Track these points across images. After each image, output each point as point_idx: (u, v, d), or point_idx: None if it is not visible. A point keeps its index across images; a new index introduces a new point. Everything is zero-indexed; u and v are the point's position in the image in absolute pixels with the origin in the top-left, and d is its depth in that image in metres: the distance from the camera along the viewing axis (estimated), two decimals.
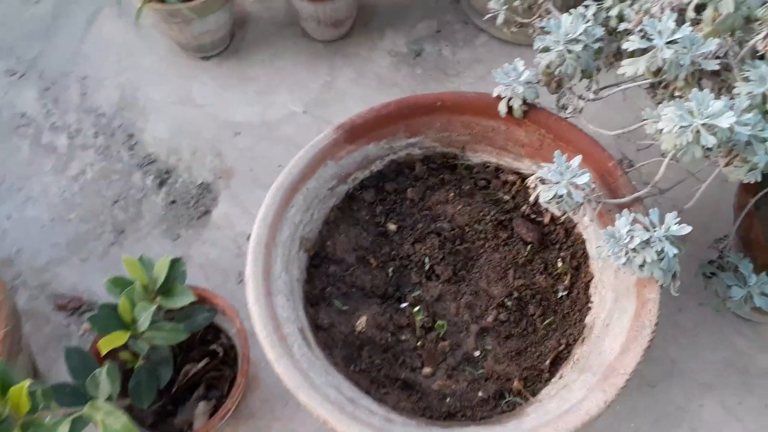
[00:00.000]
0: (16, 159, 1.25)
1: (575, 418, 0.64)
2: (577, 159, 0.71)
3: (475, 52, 1.35)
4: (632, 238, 0.68)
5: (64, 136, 1.26)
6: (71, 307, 1.10)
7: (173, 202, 1.20)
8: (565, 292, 0.83)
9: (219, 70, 1.35)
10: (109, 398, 0.80)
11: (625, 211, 0.72)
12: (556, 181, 0.71)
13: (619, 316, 0.74)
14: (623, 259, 0.69)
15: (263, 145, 1.24)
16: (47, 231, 1.15)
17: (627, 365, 0.67)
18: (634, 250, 0.69)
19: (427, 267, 0.86)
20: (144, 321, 0.80)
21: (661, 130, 0.69)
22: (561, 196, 0.71)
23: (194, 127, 1.26)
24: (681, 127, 0.65)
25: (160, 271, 0.84)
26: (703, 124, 0.64)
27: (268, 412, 0.95)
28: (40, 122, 1.30)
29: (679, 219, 0.69)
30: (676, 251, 0.68)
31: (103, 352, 0.76)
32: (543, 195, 0.72)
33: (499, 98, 0.84)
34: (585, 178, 0.70)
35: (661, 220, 0.70)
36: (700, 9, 0.75)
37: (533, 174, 0.75)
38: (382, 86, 1.30)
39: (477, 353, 0.80)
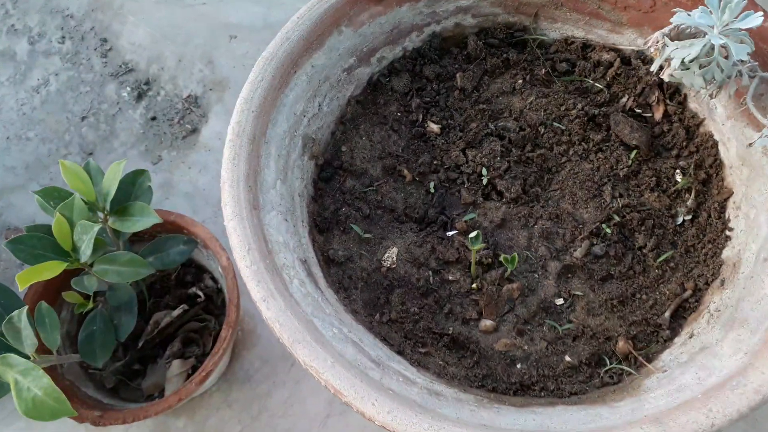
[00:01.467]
0: None
1: (738, 398, 0.39)
2: None
3: None
4: None
5: (24, 41, 1.07)
6: None
7: (154, 118, 0.99)
8: (689, 217, 0.57)
9: None
10: (47, 350, 0.59)
11: None
12: (705, 26, 0.44)
13: None
14: None
15: None
16: (1, 152, 0.97)
17: None
18: None
19: (485, 181, 0.60)
20: (86, 247, 0.57)
21: None
22: (711, 53, 0.44)
23: (181, 31, 1.06)
24: None
25: (111, 183, 0.61)
26: None
27: (269, 375, 0.76)
28: None
29: None
30: None
31: (22, 287, 0.53)
32: (679, 56, 0.46)
33: None
34: (756, 20, 0.43)
35: None
36: None
37: (638, 50, 0.48)
38: None
39: (560, 301, 0.54)
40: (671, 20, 0.46)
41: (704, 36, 0.45)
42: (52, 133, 0.97)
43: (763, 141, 0.46)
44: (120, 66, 1.03)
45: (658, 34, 0.49)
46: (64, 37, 1.06)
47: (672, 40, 0.48)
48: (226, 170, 0.51)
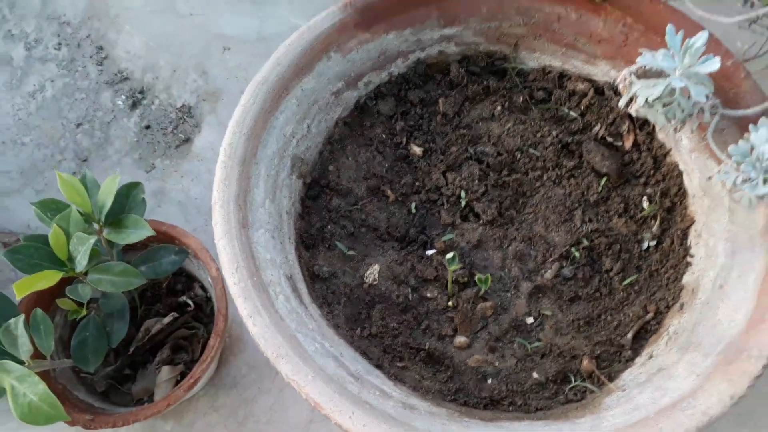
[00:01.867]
0: None
1: (687, 419, 0.43)
2: (703, 35, 0.47)
3: None
4: None
5: (20, 47, 1.08)
6: None
7: (148, 126, 1.01)
8: (653, 242, 0.61)
9: None
10: (41, 356, 0.61)
11: (764, 119, 0.48)
12: (667, 69, 0.47)
13: (740, 276, 0.51)
14: (763, 189, 0.47)
15: (258, 65, 1.02)
16: None
17: (763, 345, 0.45)
18: None
19: (463, 203, 0.63)
20: (81, 258, 0.60)
21: None
22: (673, 94, 0.48)
23: (176, 41, 1.08)
24: None
25: (107, 196, 0.63)
26: None
27: (255, 381, 0.79)
28: None
29: None
30: None
31: (19, 296, 0.56)
32: (643, 95, 0.49)
33: None
34: (713, 65, 0.47)
35: None
36: None
37: (611, 82, 0.52)
38: None
39: (530, 320, 0.58)
40: (637, 60, 0.50)
41: (668, 76, 0.48)
42: (48, 139, 0.99)
43: (721, 176, 0.50)
44: (115, 74, 1.05)
45: (626, 71, 0.52)
46: (60, 44, 1.08)
47: (639, 77, 0.51)
48: (218, 190, 0.54)
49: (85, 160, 0.97)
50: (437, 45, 0.67)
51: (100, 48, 1.07)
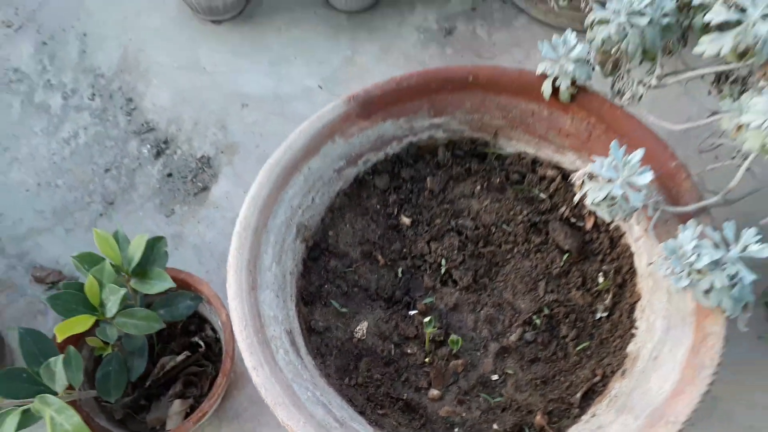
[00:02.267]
0: (5, 117, 1.16)
1: None
2: (639, 152, 0.57)
3: (514, 35, 1.21)
4: (699, 256, 0.55)
5: (58, 96, 1.17)
6: (50, 280, 1.02)
7: (170, 174, 1.11)
8: (605, 314, 0.70)
9: (231, 36, 1.23)
10: (71, 387, 0.71)
11: (692, 221, 0.58)
12: (609, 179, 0.58)
13: (671, 349, 0.60)
14: (685, 282, 0.56)
15: (273, 121, 1.13)
16: (32, 196, 1.07)
17: (679, 412, 0.54)
18: (699, 271, 0.56)
19: (443, 270, 0.73)
20: (112, 306, 0.70)
21: (745, 125, 0.55)
22: (614, 198, 0.58)
23: (199, 96, 1.17)
24: None
25: (136, 250, 0.73)
26: None
27: (255, 415, 0.86)
28: (34, 79, 1.21)
29: (760, 237, 0.55)
30: (753, 277, 0.55)
31: (60, 338, 0.65)
32: (591, 195, 0.59)
33: (543, 77, 0.71)
34: (646, 178, 0.57)
35: (736, 237, 0.57)
36: None
37: (576, 170, 0.62)
38: (408, 65, 1.18)
39: (495, 377, 0.67)
40: (588, 167, 0.60)
41: (609, 183, 0.58)
42: (78, 183, 1.09)
43: (654, 266, 0.59)
44: (142, 124, 1.15)
45: (580, 172, 0.62)
46: (94, 95, 1.19)
47: (590, 179, 0.61)
48: (233, 257, 0.64)
49: (111, 203, 1.07)
50: (427, 131, 0.77)
51: (130, 100, 1.18)
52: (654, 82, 0.69)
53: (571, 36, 0.69)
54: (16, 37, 1.25)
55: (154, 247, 0.78)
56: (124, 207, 1.06)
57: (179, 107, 1.15)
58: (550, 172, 0.77)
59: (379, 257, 0.74)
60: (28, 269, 1.02)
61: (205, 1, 1.19)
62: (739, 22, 0.57)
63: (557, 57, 0.69)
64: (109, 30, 1.24)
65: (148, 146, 1.12)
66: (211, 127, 1.13)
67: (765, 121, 0.52)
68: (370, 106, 0.72)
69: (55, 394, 0.68)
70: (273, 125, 1.12)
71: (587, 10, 0.71)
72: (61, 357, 0.66)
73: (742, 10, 0.56)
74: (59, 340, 0.66)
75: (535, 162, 0.78)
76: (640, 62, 0.69)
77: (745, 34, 0.56)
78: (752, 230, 0.56)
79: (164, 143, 1.13)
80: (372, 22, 1.24)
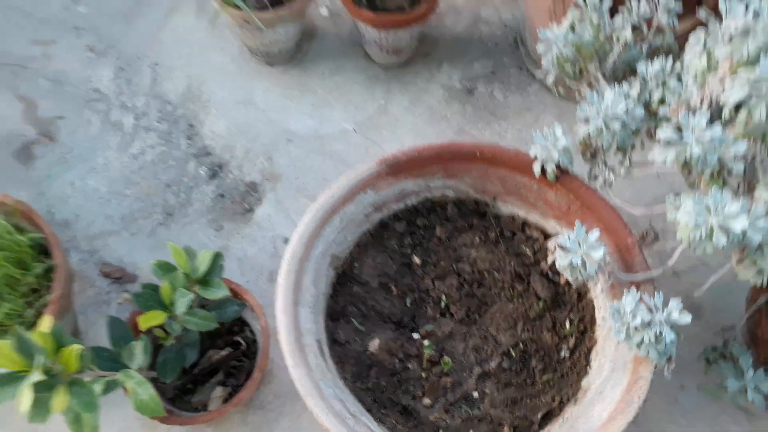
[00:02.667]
0: (86, 131, 1.30)
1: None
2: (595, 233, 0.76)
3: (527, 100, 1.39)
4: (635, 317, 0.73)
5: (131, 116, 1.33)
6: (114, 276, 1.19)
7: (221, 195, 1.25)
8: (568, 353, 0.88)
9: (282, 78, 1.41)
10: (139, 369, 0.89)
11: (633, 289, 0.76)
12: (573, 250, 0.76)
13: (612, 387, 0.78)
14: (623, 335, 0.74)
15: (313, 158, 1.30)
16: (104, 202, 1.22)
17: None
18: (635, 328, 0.74)
19: (443, 304, 0.92)
20: (181, 306, 0.89)
21: (677, 221, 0.73)
22: (575, 266, 0.76)
23: (251, 129, 1.31)
24: (697, 223, 0.69)
25: (202, 263, 0.93)
26: (719, 225, 0.68)
27: (278, 406, 1.00)
28: (111, 100, 1.34)
29: (682, 306, 0.73)
30: (674, 337, 0.72)
31: (143, 328, 0.85)
32: (559, 260, 0.77)
33: (535, 158, 0.90)
34: (600, 253, 0.75)
35: (666, 304, 0.74)
36: (738, 108, 0.78)
37: (557, 234, 0.80)
38: (432, 118, 1.36)
39: (476, 394, 0.85)
40: (558, 239, 0.78)
41: (573, 253, 0.76)
42: (144, 194, 1.26)
43: (604, 321, 0.77)
44: (201, 149, 1.32)
45: (552, 241, 0.80)
46: (161, 118, 1.36)
47: (560, 247, 0.79)
48: (282, 279, 0.83)
49: (170, 215, 1.25)
50: (440, 190, 0.97)
51: (191, 125, 1.36)
52: (623, 172, 0.87)
53: (558, 130, 0.87)
54: (99, 61, 1.44)
55: (215, 260, 0.97)
56: (180, 219, 1.22)
57: (234, 137, 1.32)
58: (535, 233, 0.96)
59: (393, 288, 0.93)
60: (98, 264, 1.17)
61: (263, 47, 1.38)
62: (680, 141, 0.75)
63: (547, 145, 0.88)
64: (177, 62, 1.42)
65: (205, 168, 1.29)
66: (259, 157, 1.29)
67: (690, 220, 0.70)
68: (398, 168, 0.92)
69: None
70: (312, 161, 1.30)
71: (580, 100, 0.88)
72: (141, 342, 0.85)
73: (682, 133, 0.74)
74: (142, 328, 0.85)
75: (524, 224, 0.97)
76: (614, 153, 0.87)
77: (684, 152, 0.74)
78: (677, 300, 0.73)
79: (218, 167, 1.30)
80: (404, 76, 1.42)
